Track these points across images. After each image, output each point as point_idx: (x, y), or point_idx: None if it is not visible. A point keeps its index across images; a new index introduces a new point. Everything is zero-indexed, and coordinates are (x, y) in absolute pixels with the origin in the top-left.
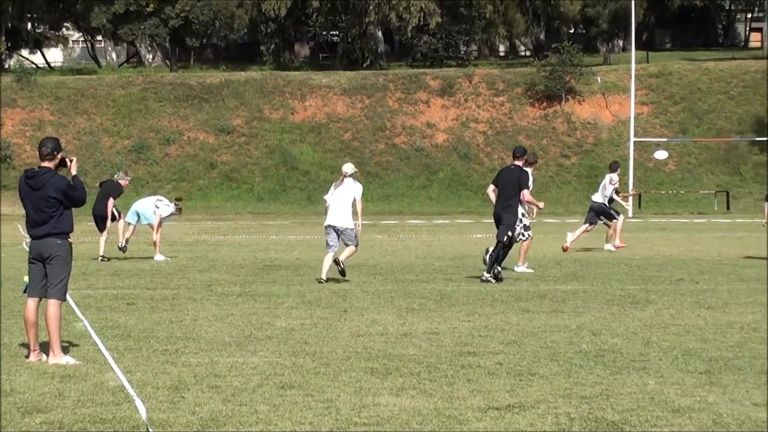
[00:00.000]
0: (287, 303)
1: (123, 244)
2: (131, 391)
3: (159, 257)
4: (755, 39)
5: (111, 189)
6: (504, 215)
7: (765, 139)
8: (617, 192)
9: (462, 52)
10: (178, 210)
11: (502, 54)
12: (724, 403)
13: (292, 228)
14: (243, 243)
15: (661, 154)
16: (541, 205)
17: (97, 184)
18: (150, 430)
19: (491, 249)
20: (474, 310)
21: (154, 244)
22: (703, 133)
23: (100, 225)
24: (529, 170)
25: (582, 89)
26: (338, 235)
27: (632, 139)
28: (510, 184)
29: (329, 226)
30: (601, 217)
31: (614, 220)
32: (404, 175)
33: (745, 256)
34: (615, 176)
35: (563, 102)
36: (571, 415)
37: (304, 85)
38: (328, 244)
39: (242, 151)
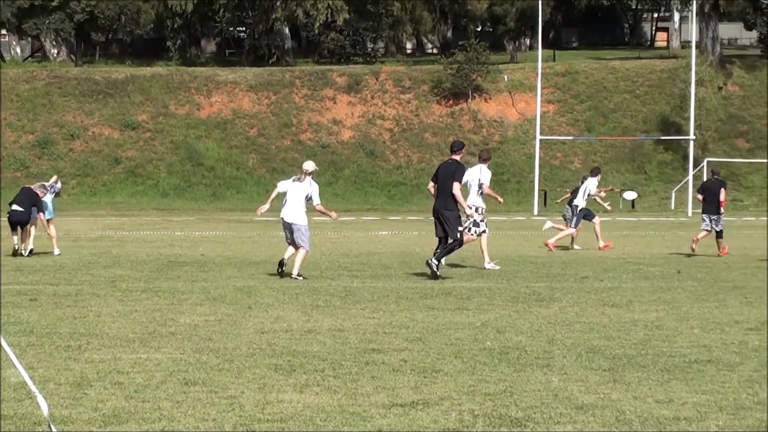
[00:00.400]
0: (191, 299)
1: (22, 250)
2: (33, 388)
3: (57, 251)
4: (661, 38)
5: (35, 199)
6: (445, 212)
7: (670, 137)
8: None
9: (369, 49)
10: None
11: (409, 51)
12: (627, 400)
13: (197, 224)
14: (147, 239)
15: (630, 195)
16: (501, 199)
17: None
18: (52, 426)
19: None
20: (379, 307)
21: (51, 237)
22: (609, 131)
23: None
24: (484, 165)
25: (489, 87)
26: (291, 233)
27: (538, 137)
28: (448, 178)
29: (283, 219)
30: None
31: (591, 223)
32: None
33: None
34: (595, 181)
35: (470, 100)
36: (475, 412)
37: (210, 80)
38: (287, 240)
39: (147, 147)
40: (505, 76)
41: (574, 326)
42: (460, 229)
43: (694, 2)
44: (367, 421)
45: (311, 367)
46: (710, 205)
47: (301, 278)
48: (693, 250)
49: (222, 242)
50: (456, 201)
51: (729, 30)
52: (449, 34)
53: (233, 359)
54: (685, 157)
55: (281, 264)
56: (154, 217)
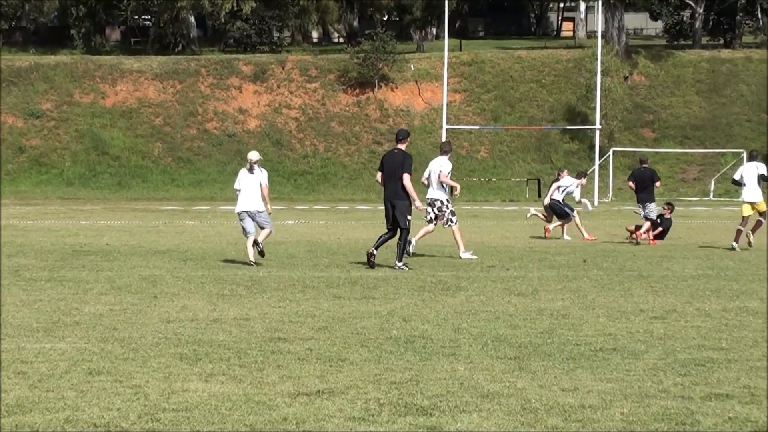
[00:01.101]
0: (96, 288)
1: None
2: None
3: None
4: (567, 28)
5: None
6: (396, 202)
7: (576, 127)
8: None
9: (275, 38)
10: None
11: (315, 40)
12: (533, 389)
13: (102, 213)
14: (52, 228)
15: (586, 206)
16: (458, 188)
17: None
18: None
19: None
20: (285, 296)
21: None
22: (515, 121)
23: None
24: (445, 158)
25: (395, 76)
26: (253, 220)
27: (444, 126)
28: (395, 168)
29: (244, 212)
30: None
31: (570, 217)
32: (216, 161)
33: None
34: (575, 180)
35: (376, 89)
36: (381, 401)
37: (115, 69)
38: (245, 231)
39: (51, 136)
40: (412, 66)
41: (480, 315)
42: (409, 218)
43: None
44: (273, 410)
45: (217, 357)
46: (643, 193)
47: (260, 246)
48: (633, 238)
49: (127, 231)
50: (406, 192)
51: (635, 20)
52: (356, 23)
53: (138, 348)
54: (591, 147)
55: (256, 243)
56: (59, 206)
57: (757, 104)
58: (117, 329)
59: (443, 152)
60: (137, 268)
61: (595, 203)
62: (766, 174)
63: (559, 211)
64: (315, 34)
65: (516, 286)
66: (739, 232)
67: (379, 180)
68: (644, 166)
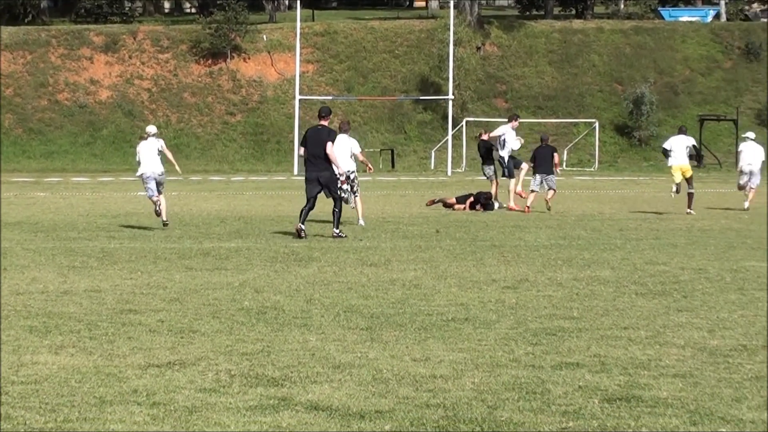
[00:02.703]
0: None
1: None
2: None
3: None
4: None
5: None
6: (323, 174)
7: (429, 97)
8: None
9: (126, 9)
10: None
11: (167, 11)
12: (385, 359)
13: None
14: None
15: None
16: (371, 167)
17: None
18: None
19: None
20: (136, 267)
21: None
22: (369, 91)
23: None
24: (346, 135)
25: (248, 47)
26: (155, 182)
27: (297, 97)
28: (320, 143)
29: (147, 176)
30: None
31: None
32: (68, 132)
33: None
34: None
35: (229, 59)
36: (232, 372)
37: None
38: (151, 190)
39: None
40: (264, 36)
41: (333, 286)
42: (342, 188)
43: None
44: (123, 382)
45: (67, 329)
46: (543, 167)
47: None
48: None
49: None
50: (330, 162)
51: None
52: None
53: None
54: (445, 117)
55: (158, 213)
56: None
57: (609, 74)
58: None
59: (344, 131)
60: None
61: (448, 173)
62: (696, 145)
63: (509, 170)
64: (167, 5)
65: (369, 256)
66: (689, 196)
67: (302, 154)
68: (545, 143)
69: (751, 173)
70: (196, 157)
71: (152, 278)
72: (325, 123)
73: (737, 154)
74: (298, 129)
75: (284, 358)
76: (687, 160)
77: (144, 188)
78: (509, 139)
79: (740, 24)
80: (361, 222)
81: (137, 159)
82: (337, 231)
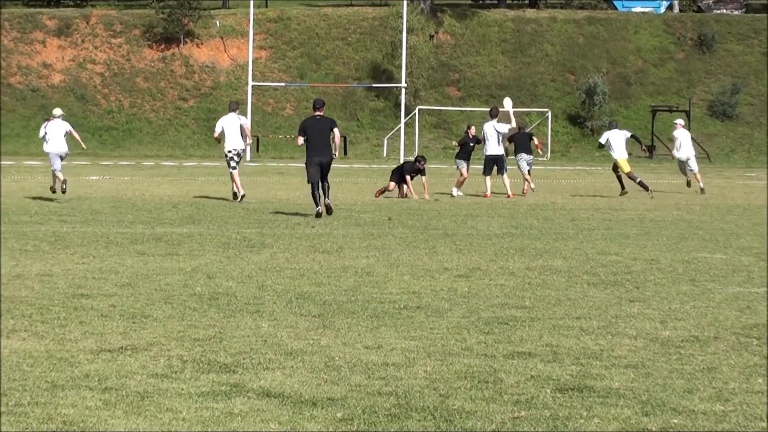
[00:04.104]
0: None
1: None
2: None
3: None
4: None
5: None
6: (324, 159)
7: (381, 85)
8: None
9: None
10: None
11: None
12: (337, 346)
13: None
14: None
15: (507, 103)
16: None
17: None
18: None
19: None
20: (89, 252)
21: None
22: (322, 78)
23: None
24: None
25: (201, 32)
26: (60, 158)
27: (250, 83)
28: (324, 132)
29: (54, 153)
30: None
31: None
32: (20, 116)
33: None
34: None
35: (181, 45)
36: (184, 358)
37: None
38: (54, 168)
39: None
40: (217, 22)
41: (285, 272)
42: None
43: None
44: (75, 366)
45: (18, 313)
46: (522, 150)
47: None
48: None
49: None
50: (330, 147)
51: None
52: None
53: None
54: (397, 105)
55: (53, 190)
56: None
57: (562, 64)
58: None
59: (232, 110)
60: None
61: (401, 161)
62: (635, 135)
63: (502, 165)
64: None
65: (321, 243)
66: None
67: (300, 143)
68: (523, 131)
69: (688, 159)
70: (149, 142)
71: (104, 263)
72: (321, 113)
73: (673, 142)
74: (250, 115)
75: (236, 344)
76: (626, 154)
77: (50, 163)
78: (500, 130)
79: (693, 15)
80: (242, 192)
81: (44, 137)
82: (329, 200)
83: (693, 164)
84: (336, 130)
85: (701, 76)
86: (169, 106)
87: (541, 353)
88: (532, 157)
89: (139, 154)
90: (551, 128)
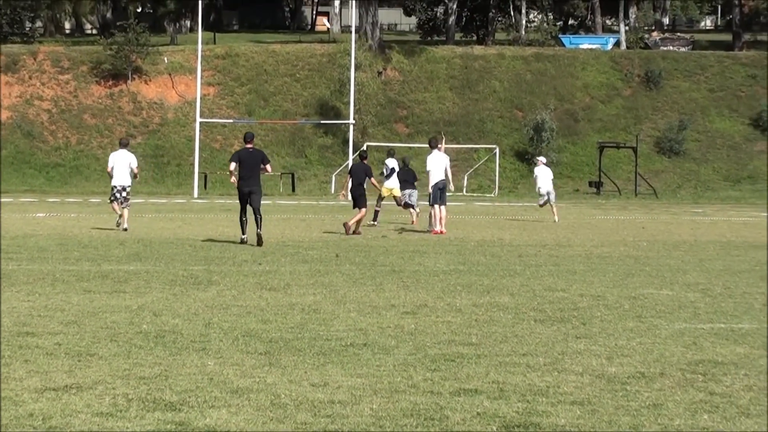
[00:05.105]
0: None
1: None
2: None
3: None
4: (321, 23)
5: None
6: (257, 190)
7: (330, 121)
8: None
9: (27, 29)
10: None
11: (68, 32)
12: (283, 384)
13: None
14: None
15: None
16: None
17: None
18: None
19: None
20: (34, 289)
21: None
22: (270, 114)
23: None
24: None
25: (149, 69)
26: None
27: (198, 119)
28: (256, 164)
29: None
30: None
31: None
32: None
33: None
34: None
35: (129, 81)
36: (129, 396)
37: None
38: None
39: None
40: (165, 58)
41: (232, 309)
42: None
43: None
44: (19, 405)
45: None
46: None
47: None
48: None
49: None
50: (259, 178)
51: (389, 15)
52: (109, 14)
53: None
54: (345, 142)
55: None
56: None
57: (510, 100)
58: None
59: (123, 146)
60: None
61: (349, 197)
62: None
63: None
64: (68, 26)
65: (268, 280)
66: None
67: (232, 169)
68: (407, 167)
69: (548, 193)
70: (96, 178)
71: (50, 300)
72: (251, 145)
73: (534, 179)
74: (198, 152)
75: (182, 382)
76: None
77: None
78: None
79: (640, 52)
80: (125, 226)
81: None
82: (260, 231)
83: (553, 197)
84: (268, 167)
85: (648, 113)
86: (116, 142)
87: (488, 390)
88: (415, 192)
89: (86, 191)
90: (499, 164)
